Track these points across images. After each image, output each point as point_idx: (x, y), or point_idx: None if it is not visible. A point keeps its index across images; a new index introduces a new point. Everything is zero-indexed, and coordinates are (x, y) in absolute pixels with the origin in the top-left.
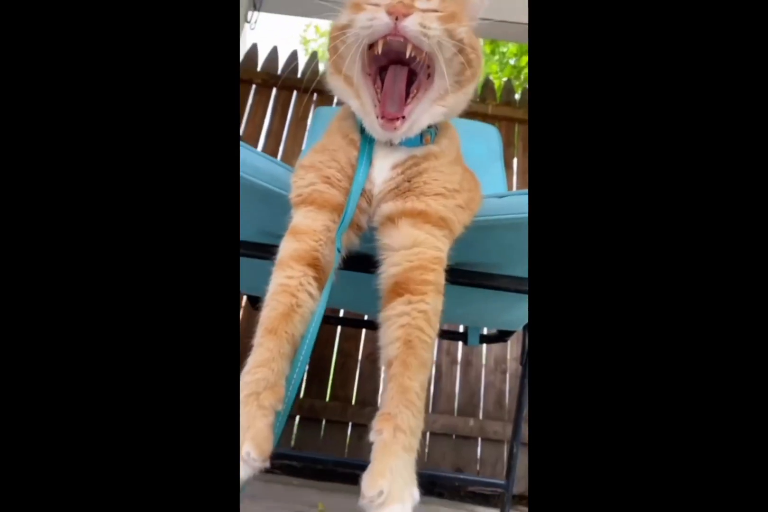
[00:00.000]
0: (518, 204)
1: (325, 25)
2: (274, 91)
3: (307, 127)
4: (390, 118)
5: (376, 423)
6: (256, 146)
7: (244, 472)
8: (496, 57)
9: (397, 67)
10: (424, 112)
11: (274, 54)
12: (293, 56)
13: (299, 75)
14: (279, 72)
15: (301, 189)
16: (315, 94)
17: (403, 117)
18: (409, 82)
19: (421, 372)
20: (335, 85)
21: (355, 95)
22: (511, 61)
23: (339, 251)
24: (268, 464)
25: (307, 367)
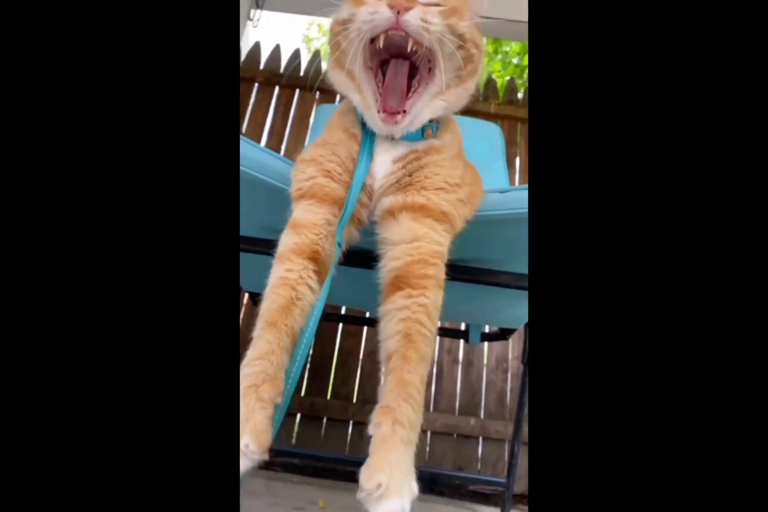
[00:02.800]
0: (520, 199)
1: (327, 23)
2: (277, 89)
3: (310, 126)
4: (391, 112)
5: (375, 417)
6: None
7: (243, 465)
8: (499, 56)
9: (398, 60)
10: (425, 107)
11: (276, 52)
12: (296, 54)
13: (302, 73)
14: (281, 70)
15: (301, 182)
16: (317, 93)
17: (404, 111)
18: (411, 76)
19: (421, 365)
20: (337, 79)
21: (357, 89)
22: (514, 60)
23: (339, 245)
24: (266, 456)
25: (307, 362)
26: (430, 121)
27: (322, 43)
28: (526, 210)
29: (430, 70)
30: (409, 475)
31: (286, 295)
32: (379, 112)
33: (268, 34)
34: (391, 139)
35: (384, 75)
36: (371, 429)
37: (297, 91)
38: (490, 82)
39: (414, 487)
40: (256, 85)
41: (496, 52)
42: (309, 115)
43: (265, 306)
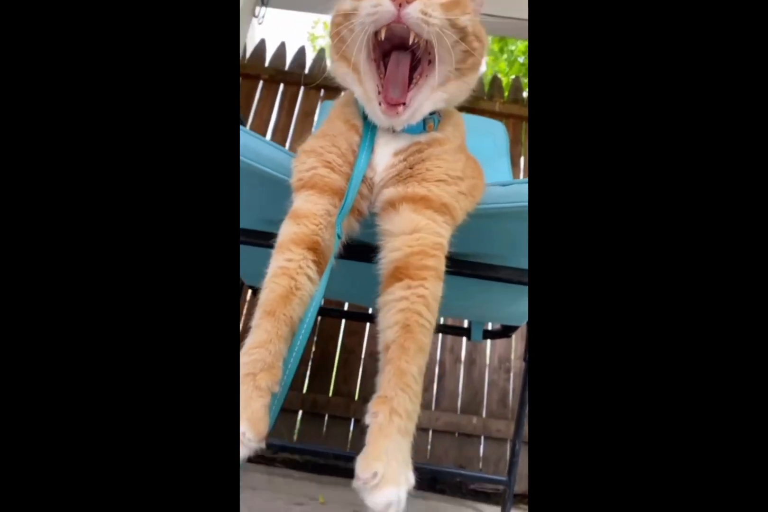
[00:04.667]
0: (522, 192)
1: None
2: (282, 86)
3: (314, 123)
4: (392, 104)
5: (372, 406)
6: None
7: (241, 453)
8: (505, 55)
9: (400, 52)
10: (426, 99)
11: (281, 50)
12: (301, 52)
13: (306, 71)
14: (286, 68)
15: (302, 173)
16: (322, 90)
17: (405, 103)
18: (412, 68)
19: (419, 356)
20: (339, 71)
21: (359, 81)
22: (520, 59)
23: (339, 237)
24: (263, 445)
25: (309, 358)
26: (432, 114)
27: (327, 41)
28: (527, 203)
29: (430, 62)
30: (405, 465)
31: (285, 285)
32: (380, 103)
33: (273, 31)
34: (393, 131)
35: (386, 67)
36: (368, 419)
37: (301, 88)
38: (495, 81)
39: (410, 477)
40: (261, 82)
41: (501, 50)
42: (313, 112)
43: (264, 296)
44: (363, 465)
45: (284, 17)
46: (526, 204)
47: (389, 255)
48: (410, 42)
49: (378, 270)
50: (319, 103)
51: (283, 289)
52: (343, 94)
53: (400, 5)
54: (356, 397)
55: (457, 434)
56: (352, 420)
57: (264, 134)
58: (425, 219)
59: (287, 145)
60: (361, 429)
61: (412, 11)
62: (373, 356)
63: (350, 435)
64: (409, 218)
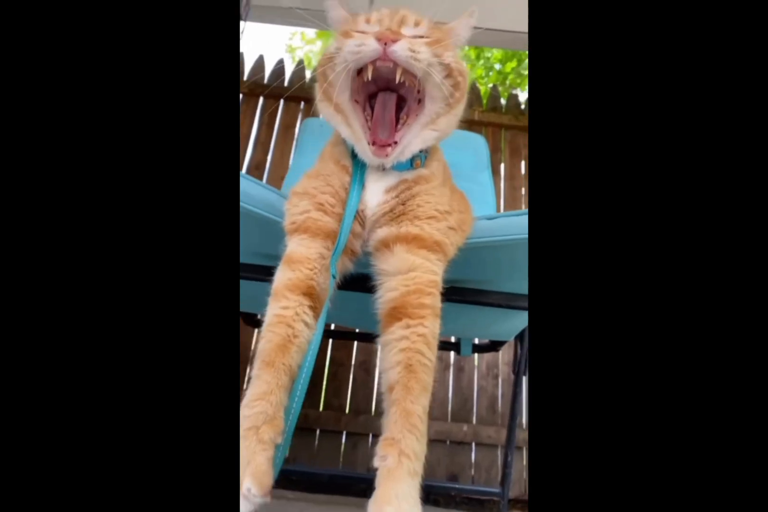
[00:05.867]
0: (509, 225)
1: (310, 32)
2: (261, 100)
3: (295, 136)
4: (381, 145)
5: (380, 449)
6: (243, 156)
7: (245, 508)
8: (481, 61)
9: (386, 93)
10: (415, 137)
11: (260, 63)
12: (280, 64)
13: (286, 83)
14: (266, 81)
15: (294, 216)
16: (302, 103)
17: (395, 142)
18: (398, 109)
19: (423, 395)
20: (325, 112)
21: (345, 122)
22: (497, 66)
23: (334, 277)
24: (268, 499)
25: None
26: (420, 151)
27: (305, 51)
28: (515, 236)
29: (419, 101)
30: (415, 506)
31: (282, 333)
32: (369, 144)
33: (251, 44)
34: (382, 169)
35: (372, 108)
36: (376, 462)
37: (281, 101)
38: (473, 89)
39: None
40: (241, 96)
41: (478, 57)
42: (294, 125)
43: (262, 346)
44: (375, 510)
45: (261, 30)
46: (513, 237)
47: (386, 294)
48: (397, 80)
49: (376, 309)
50: (300, 116)
51: (281, 338)
52: (333, 133)
53: (385, 44)
54: (347, 410)
55: (448, 442)
56: (344, 433)
57: (245, 148)
58: (419, 258)
59: (269, 158)
60: (353, 443)
61: (399, 49)
62: (362, 368)
63: (342, 448)
64: (404, 258)
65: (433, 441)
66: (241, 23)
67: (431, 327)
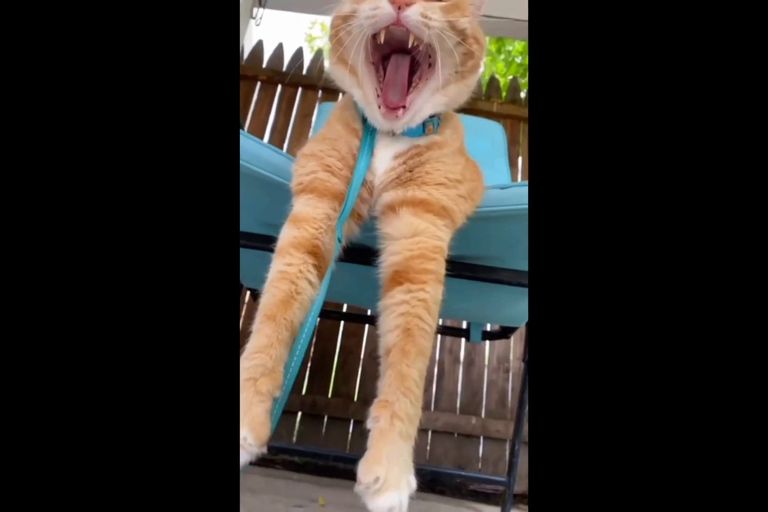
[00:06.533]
0: (521, 195)
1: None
2: (279, 87)
3: (312, 124)
4: (392, 107)
5: (374, 410)
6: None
7: (242, 458)
8: (502, 55)
9: (399, 56)
10: (425, 102)
11: (279, 51)
12: (299, 53)
13: (304, 72)
14: (284, 69)
15: (302, 177)
16: (320, 92)
17: (405, 106)
18: (412, 71)
19: (420, 360)
20: (338, 74)
21: (358, 85)
22: (518, 60)
23: (339, 241)
24: (264, 450)
25: (308, 360)
26: (431, 117)
27: (324, 42)
28: (527, 206)
29: (430, 65)
30: (407, 469)
31: (285, 289)
32: (379, 107)
33: (271, 32)
34: (392, 134)
35: (385, 70)
36: (369, 423)
37: (299, 89)
38: (492, 81)
39: (412, 481)
40: (259, 83)
41: (499, 51)
42: (311, 114)
43: (265, 300)
44: (365, 470)
45: (281, 18)
46: (525, 206)
47: (389, 258)
48: (409, 45)
49: (378, 273)
50: (317, 104)
51: (284, 294)
52: (342, 96)
53: (399, 8)
54: (355, 398)
55: (456, 434)
56: (352, 421)
57: (262, 136)
58: (425, 222)
59: (285, 146)
60: (361, 431)
61: (411, 14)
62: (372, 356)
63: (350, 436)
64: (409, 222)
65: (441, 433)
66: (260, 10)
67: (432, 292)
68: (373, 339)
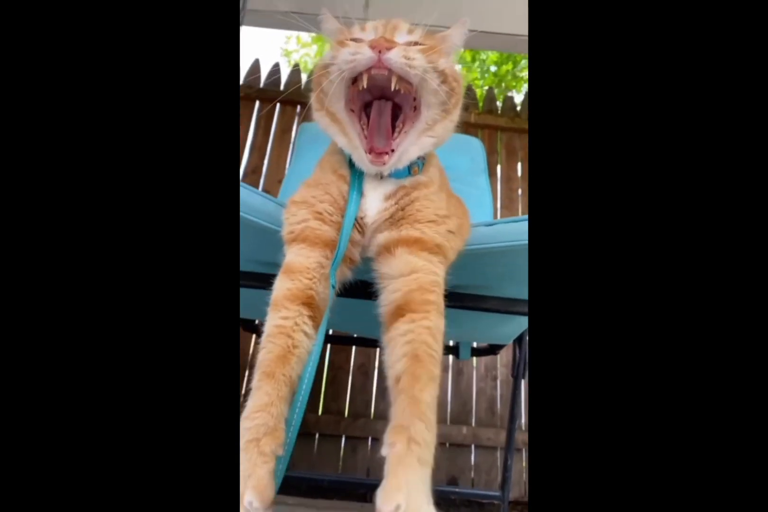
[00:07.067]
0: (507, 232)
1: (306, 36)
2: (257, 103)
3: (292, 140)
4: (378, 153)
5: (389, 436)
6: (239, 161)
7: None
8: (477, 64)
9: (381, 101)
10: (412, 145)
11: (255, 66)
12: (275, 68)
13: (282, 87)
14: (261, 85)
15: (293, 226)
16: (298, 106)
17: (392, 150)
18: (394, 117)
19: (431, 385)
20: (321, 121)
21: (342, 131)
22: (492, 69)
23: (333, 287)
24: (270, 511)
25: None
26: (417, 158)
27: (301, 55)
28: (513, 242)
29: (414, 108)
30: (427, 496)
31: (282, 344)
32: (366, 152)
33: (247, 48)
34: (380, 177)
35: (368, 117)
36: (385, 450)
37: (278, 105)
38: (469, 92)
39: (432, 510)
40: None
41: (473, 60)
42: (290, 129)
43: (262, 356)
44: (384, 498)
45: (256, 34)
46: (512, 243)
47: (389, 296)
48: (392, 88)
49: (379, 312)
50: (296, 119)
51: (281, 349)
52: (330, 143)
53: (380, 51)
54: (346, 414)
55: (447, 445)
56: (343, 437)
57: (241, 152)
58: (422, 260)
59: (265, 162)
60: (353, 447)
61: (394, 56)
62: (360, 371)
63: (342, 452)
64: (407, 261)
65: None
66: None
67: (436, 321)
68: (361, 354)
